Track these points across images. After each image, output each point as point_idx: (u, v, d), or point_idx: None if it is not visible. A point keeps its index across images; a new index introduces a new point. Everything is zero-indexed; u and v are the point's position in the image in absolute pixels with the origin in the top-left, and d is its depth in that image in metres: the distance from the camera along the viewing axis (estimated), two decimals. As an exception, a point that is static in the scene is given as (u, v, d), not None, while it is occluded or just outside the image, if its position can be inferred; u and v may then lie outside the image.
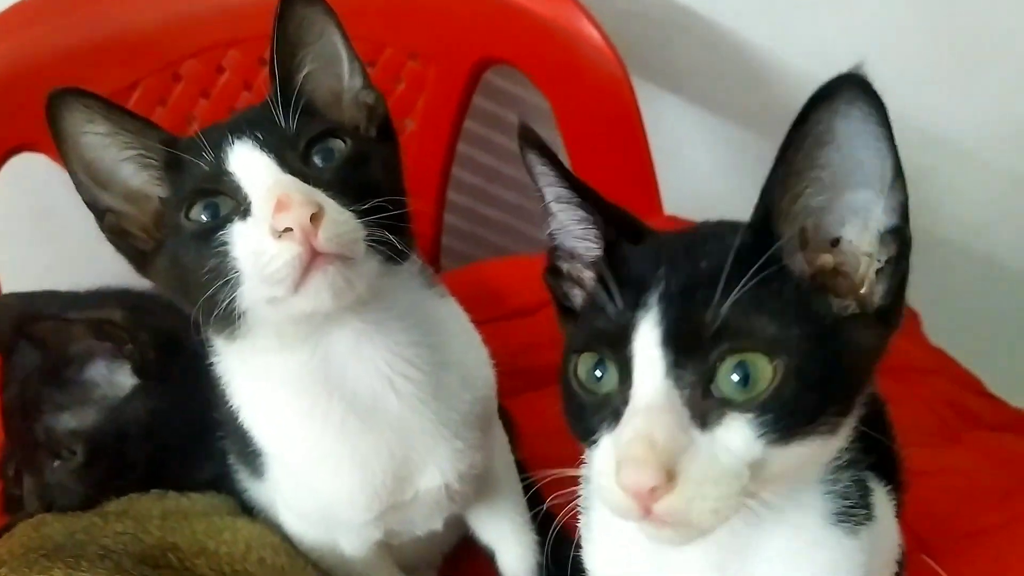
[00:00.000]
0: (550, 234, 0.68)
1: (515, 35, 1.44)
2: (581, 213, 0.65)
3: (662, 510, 0.54)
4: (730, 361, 0.55)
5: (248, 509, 0.93)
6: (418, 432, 0.82)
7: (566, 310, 0.67)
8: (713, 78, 1.61)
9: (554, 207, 0.66)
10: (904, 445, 0.78)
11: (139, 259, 0.78)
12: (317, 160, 0.75)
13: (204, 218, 0.73)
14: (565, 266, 0.67)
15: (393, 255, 0.74)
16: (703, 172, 1.67)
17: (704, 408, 0.55)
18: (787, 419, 0.55)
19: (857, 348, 0.58)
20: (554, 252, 0.68)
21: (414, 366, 0.81)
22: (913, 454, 0.78)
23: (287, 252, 0.68)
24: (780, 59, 1.55)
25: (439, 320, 0.85)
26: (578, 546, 0.73)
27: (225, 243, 0.71)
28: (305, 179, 0.72)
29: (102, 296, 1.02)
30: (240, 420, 0.82)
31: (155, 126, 0.78)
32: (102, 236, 0.78)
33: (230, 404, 0.83)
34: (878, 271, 0.58)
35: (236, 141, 0.74)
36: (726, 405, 0.55)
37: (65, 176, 0.76)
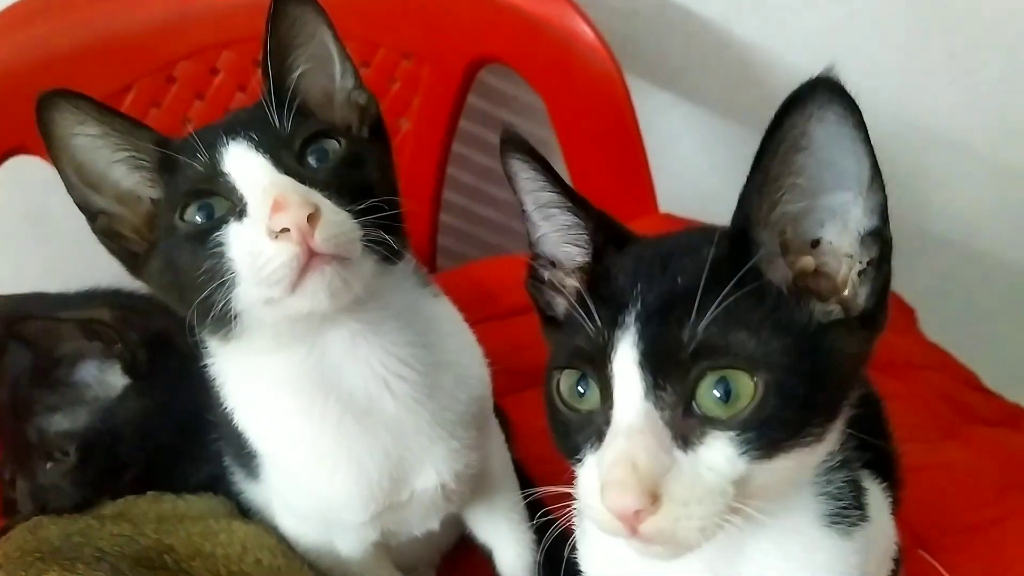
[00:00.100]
0: (531, 243, 0.68)
1: (509, 34, 1.44)
2: (568, 219, 0.64)
3: (648, 530, 0.54)
4: (710, 378, 0.55)
5: (244, 511, 0.93)
6: (414, 432, 0.81)
7: (549, 319, 0.67)
8: (706, 75, 1.61)
9: (536, 215, 0.66)
10: (901, 441, 0.78)
11: (132, 261, 0.77)
12: (312, 160, 0.75)
13: (199, 219, 0.73)
14: (547, 274, 0.67)
15: (388, 255, 0.74)
16: (697, 169, 1.67)
17: (685, 427, 0.55)
18: (770, 435, 0.55)
19: (841, 354, 0.58)
20: (535, 260, 0.68)
21: (409, 366, 0.80)
22: (910, 449, 0.78)
23: (284, 253, 0.68)
24: (773, 55, 1.55)
25: (434, 320, 0.85)
26: (574, 548, 0.73)
27: (221, 244, 0.70)
28: (300, 179, 0.72)
29: (91, 297, 1.02)
30: (235, 421, 0.82)
31: (147, 127, 0.78)
32: (96, 239, 0.78)
33: (225, 405, 0.83)
34: (860, 273, 0.58)
35: (231, 142, 0.74)
36: (707, 423, 0.55)
37: (59, 178, 0.76)
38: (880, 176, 0.56)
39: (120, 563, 0.80)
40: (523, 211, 0.66)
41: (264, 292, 0.69)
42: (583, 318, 0.59)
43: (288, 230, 0.67)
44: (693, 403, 0.55)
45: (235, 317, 0.71)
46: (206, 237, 0.71)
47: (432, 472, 0.83)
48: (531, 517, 0.95)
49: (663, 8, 1.53)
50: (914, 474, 0.77)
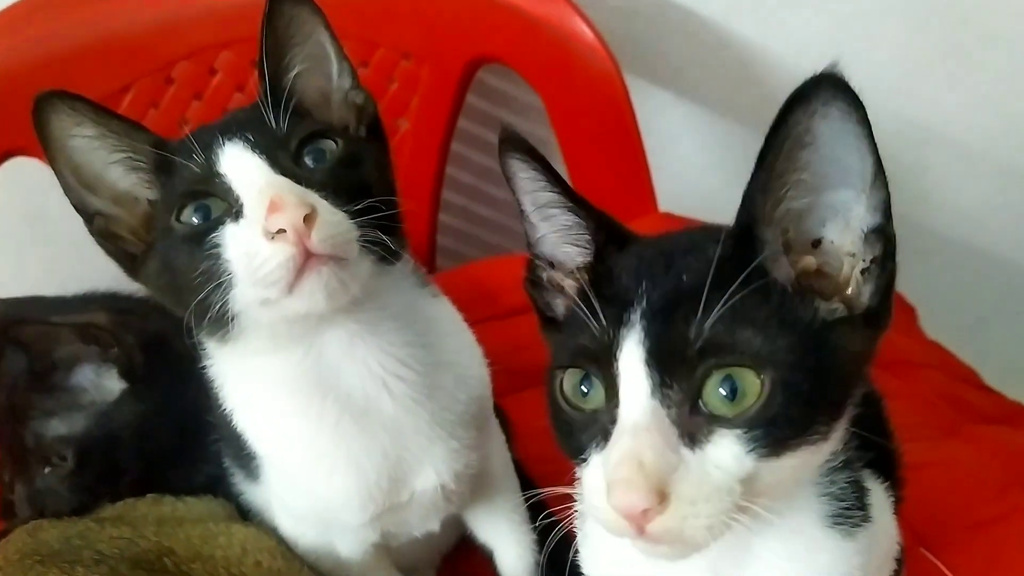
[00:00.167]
0: (530, 243, 0.67)
1: (507, 34, 1.44)
2: (569, 219, 0.64)
3: (655, 530, 0.54)
4: (716, 376, 0.55)
5: (244, 512, 0.93)
6: (413, 433, 0.81)
7: (548, 320, 0.67)
8: (706, 74, 1.61)
9: (535, 216, 0.65)
10: (901, 439, 0.78)
11: (129, 262, 0.77)
12: (308, 161, 0.75)
13: (195, 220, 0.72)
14: (545, 275, 0.67)
15: (386, 255, 0.73)
16: (697, 168, 1.67)
17: (692, 425, 0.55)
18: (777, 432, 0.55)
19: (845, 352, 0.58)
20: (534, 261, 0.67)
21: (407, 366, 0.80)
22: (910, 448, 0.78)
23: (281, 254, 0.67)
24: (772, 54, 1.55)
25: (432, 320, 0.85)
26: (576, 549, 0.72)
27: (217, 245, 0.70)
28: (297, 180, 0.71)
29: (88, 300, 1.02)
30: (234, 423, 0.82)
31: (144, 128, 0.77)
32: (94, 240, 0.77)
33: (223, 407, 0.82)
34: (864, 271, 0.58)
35: (227, 142, 0.73)
36: (714, 421, 0.55)
37: (57, 180, 0.76)
38: (883, 173, 0.56)
39: (119, 565, 0.80)
40: (522, 212, 0.66)
41: (261, 293, 0.69)
42: (587, 316, 0.58)
43: (284, 231, 0.67)
44: (700, 401, 0.55)
45: (232, 318, 0.71)
46: (203, 238, 0.71)
47: (431, 472, 0.83)
48: (533, 519, 0.94)
49: (662, 7, 1.53)
50: (914, 472, 0.77)
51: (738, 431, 0.54)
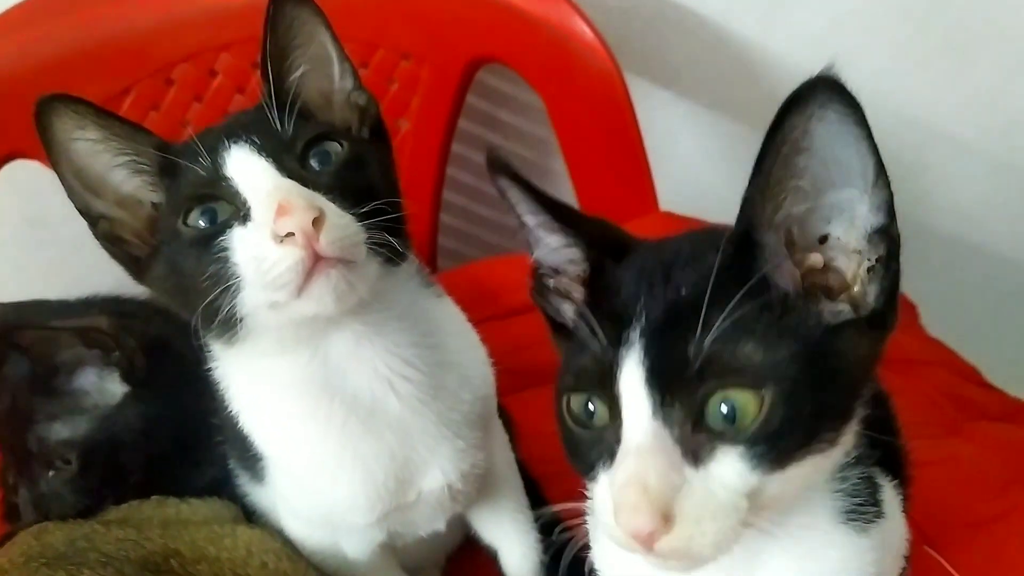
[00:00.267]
0: (532, 253, 0.67)
1: (507, 34, 1.44)
2: (561, 239, 0.64)
3: (663, 549, 0.54)
4: (717, 396, 0.54)
5: (249, 514, 0.93)
6: (419, 433, 0.81)
7: (558, 326, 0.66)
8: (706, 73, 1.61)
9: (534, 228, 0.65)
10: (905, 438, 0.78)
11: (134, 266, 0.77)
12: (314, 163, 0.74)
13: (202, 224, 0.72)
14: (551, 282, 0.66)
15: (392, 257, 0.73)
16: (697, 167, 1.67)
17: (695, 444, 0.55)
18: (781, 445, 0.54)
19: (851, 356, 0.57)
20: (538, 270, 0.67)
21: (413, 367, 0.80)
22: (913, 446, 0.78)
23: (289, 257, 0.67)
24: (772, 52, 1.55)
25: (437, 320, 0.85)
26: (586, 547, 0.72)
27: (225, 249, 0.70)
28: (303, 183, 0.71)
29: (90, 304, 1.01)
30: (240, 425, 0.82)
31: (147, 131, 0.77)
32: (97, 243, 0.77)
33: (229, 409, 0.82)
34: (869, 270, 0.57)
35: (232, 145, 0.73)
36: (717, 438, 0.54)
37: (59, 183, 0.76)
38: (885, 173, 0.55)
39: (125, 567, 0.80)
40: (520, 223, 0.66)
41: (270, 296, 0.69)
42: (587, 335, 0.58)
43: (293, 234, 0.67)
44: (702, 419, 0.55)
45: (240, 321, 0.71)
46: (210, 242, 0.71)
47: (438, 472, 0.83)
48: (548, 533, 0.93)
49: (662, 7, 1.53)
50: (917, 470, 0.77)
51: (741, 448, 0.54)
